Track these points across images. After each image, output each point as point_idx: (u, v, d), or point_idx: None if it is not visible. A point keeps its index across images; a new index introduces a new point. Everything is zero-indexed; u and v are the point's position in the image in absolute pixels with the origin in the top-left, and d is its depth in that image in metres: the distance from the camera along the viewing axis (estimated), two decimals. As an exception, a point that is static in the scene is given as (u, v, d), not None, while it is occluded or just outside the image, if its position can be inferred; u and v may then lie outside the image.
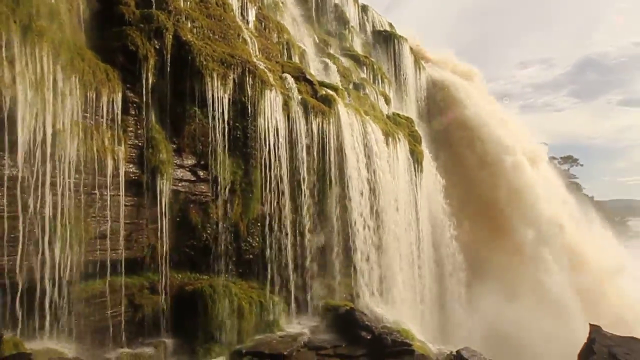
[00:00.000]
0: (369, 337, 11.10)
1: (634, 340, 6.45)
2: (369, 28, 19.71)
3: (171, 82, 10.22)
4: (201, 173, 10.76)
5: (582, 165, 60.74)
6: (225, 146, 10.89)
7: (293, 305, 11.85)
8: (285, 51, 13.91)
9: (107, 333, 8.82)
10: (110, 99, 9.12)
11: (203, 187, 10.81)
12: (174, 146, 10.35)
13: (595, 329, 6.73)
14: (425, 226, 16.51)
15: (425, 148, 17.51)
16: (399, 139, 15.24)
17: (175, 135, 10.42)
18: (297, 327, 11.59)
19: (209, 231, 10.74)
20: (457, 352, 11.98)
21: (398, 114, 16.96)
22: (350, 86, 15.65)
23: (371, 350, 10.94)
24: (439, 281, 17.58)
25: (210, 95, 10.63)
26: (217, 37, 11.54)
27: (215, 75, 10.71)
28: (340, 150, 12.91)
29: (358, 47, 18.28)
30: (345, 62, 16.59)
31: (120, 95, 9.29)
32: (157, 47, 10.09)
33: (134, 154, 9.53)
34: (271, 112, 11.64)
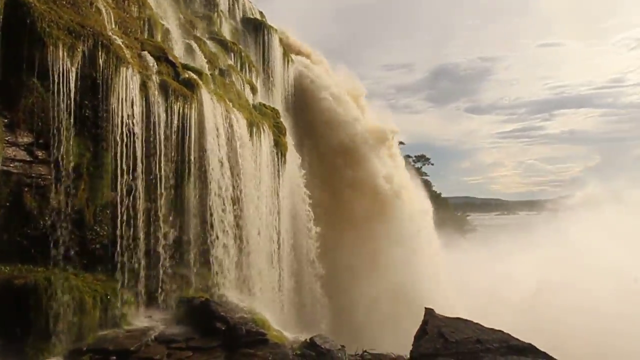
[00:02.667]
0: (223, 328, 10.94)
1: (459, 321, 7.20)
2: (238, 14, 19.33)
3: (3, 47, 8.94)
4: (39, 153, 9.59)
5: (432, 164, 66.65)
6: (71, 125, 9.85)
7: (144, 298, 11.23)
8: (146, 28, 13.00)
9: None
10: None
11: (41, 169, 9.65)
12: (6, 121, 9.08)
13: (429, 312, 7.38)
14: (286, 217, 16.78)
15: (289, 140, 17.76)
16: (263, 129, 15.23)
17: (7, 109, 9.15)
18: (148, 321, 11.01)
19: (47, 218, 9.64)
20: (311, 339, 12.38)
21: (264, 105, 16.94)
22: (216, 72, 15.21)
23: (226, 341, 10.81)
24: (298, 270, 18.02)
25: (53, 67, 9.50)
26: (64, 2, 10.36)
27: (60, 45, 9.58)
28: (201, 137, 12.48)
29: (226, 33, 17.84)
30: (212, 46, 16.07)
31: None
32: (-15, 4, 8.75)
33: (-50, 127, 8.17)
34: (127, 92, 10.80)
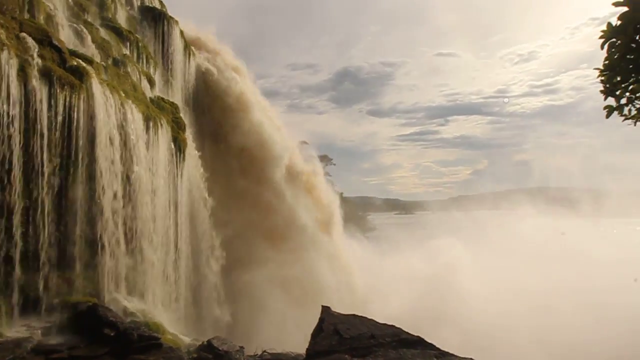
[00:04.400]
0: (112, 334, 10.25)
1: (354, 317, 7.35)
2: (136, 2, 18.21)
3: None
4: None
5: (335, 164, 68.12)
6: None
7: (20, 304, 10.18)
8: (26, 7, 11.76)
9: None
10: None
11: None
12: None
13: (325, 310, 7.45)
14: (185, 217, 16.15)
15: (189, 136, 17.11)
16: (161, 124, 14.50)
17: None
18: (25, 330, 10.00)
19: None
20: (208, 341, 12.05)
21: (162, 98, 16.13)
22: (110, 61, 14.19)
23: (115, 347, 10.13)
24: (196, 272, 17.44)
25: None
26: None
27: None
28: (91, 130, 11.58)
29: (122, 21, 16.70)
30: (105, 34, 14.96)
31: None
32: None
33: None
34: (1, 77, 9.72)
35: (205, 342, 12.07)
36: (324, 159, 65.14)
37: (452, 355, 5.69)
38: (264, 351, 13.95)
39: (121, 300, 12.15)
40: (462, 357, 5.62)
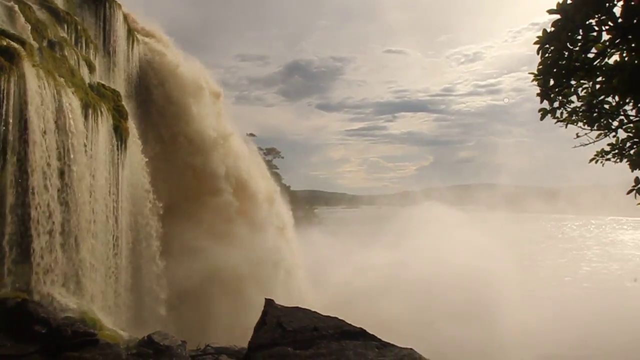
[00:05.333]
0: (43, 331, 9.75)
1: (298, 310, 7.37)
2: (75, -18, 17.25)
3: None
4: None
5: (283, 157, 67.99)
6: None
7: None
8: (-51, -18, 10.90)
9: None
10: None
11: None
12: None
13: (268, 302, 7.43)
14: (125, 209, 15.59)
15: (132, 125, 16.50)
16: (101, 112, 13.88)
17: None
18: (-56, 329, 9.35)
19: None
20: (149, 336, 11.73)
21: (103, 85, 15.42)
22: (45, 43, 13.40)
23: (47, 345, 9.64)
24: (138, 266, 16.91)
25: None
26: None
27: None
28: (22, 117, 10.91)
29: (59, 1, 15.79)
30: (40, 14, 14.08)
31: None
32: None
33: None
34: None
35: (145, 338, 11.76)
36: (272, 151, 64.86)
37: (393, 345, 5.83)
38: (207, 345, 13.79)
39: (55, 296, 11.59)
40: (402, 347, 5.77)
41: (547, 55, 4.34)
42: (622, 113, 5.16)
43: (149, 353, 11.06)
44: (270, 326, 6.96)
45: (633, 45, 4.21)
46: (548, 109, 5.16)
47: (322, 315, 6.86)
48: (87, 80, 14.57)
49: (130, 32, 19.20)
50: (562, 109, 5.19)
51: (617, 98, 4.95)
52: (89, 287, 13.19)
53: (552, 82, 4.67)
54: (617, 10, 3.94)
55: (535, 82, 4.90)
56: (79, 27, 15.62)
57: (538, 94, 4.86)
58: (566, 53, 4.29)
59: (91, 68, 15.30)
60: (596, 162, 6.06)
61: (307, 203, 76.58)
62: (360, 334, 6.35)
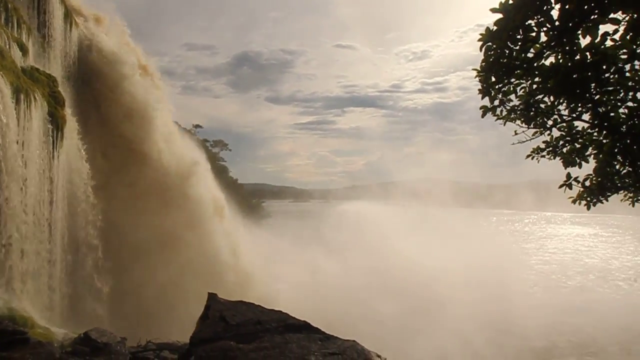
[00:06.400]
0: (-34, 331, 9.12)
1: (241, 304, 7.29)
2: (6, -42, 16.07)
3: None
4: None
5: (230, 150, 67.01)
6: None
7: None
8: None
9: None
10: None
11: None
12: None
13: (211, 297, 7.29)
14: (61, 201, 14.81)
15: (69, 113, 15.67)
16: (35, 98, 13.07)
17: None
18: None
19: None
20: (85, 333, 11.23)
21: (37, 69, 14.51)
22: (-30, 22, 12.44)
23: (-29, 345, 9.04)
24: (74, 261, 16.15)
25: None
26: None
27: None
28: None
29: (-13, -23, 14.67)
30: (-34, -10, 13.09)
31: None
32: None
33: None
34: None
35: (82, 335, 11.24)
36: (220, 144, 63.73)
37: (336, 337, 5.87)
38: (149, 341, 13.40)
39: (-19, 293, 10.87)
40: (345, 339, 5.81)
41: (489, 53, 4.47)
42: (556, 113, 5.42)
43: (86, 351, 10.59)
44: (212, 320, 6.82)
45: (567, 48, 4.40)
46: (489, 106, 5.33)
47: (266, 309, 6.80)
48: (19, 63, 13.66)
49: (68, 14, 18.19)
50: (502, 107, 5.38)
51: (552, 98, 5.19)
52: (19, 283, 12.45)
53: (493, 79, 4.82)
54: (555, 13, 4.10)
55: (478, 79, 5.05)
56: (9, 6, 14.58)
57: (479, 90, 5.00)
58: (507, 52, 4.43)
59: (23, 50, 14.34)
60: (532, 158, 6.34)
61: (254, 197, 76.01)
62: (304, 327, 6.35)
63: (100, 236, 17.03)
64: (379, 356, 5.73)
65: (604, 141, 5.60)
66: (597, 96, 4.94)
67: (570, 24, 4.09)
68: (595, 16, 3.98)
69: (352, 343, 5.72)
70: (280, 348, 5.66)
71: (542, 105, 5.37)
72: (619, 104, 5.02)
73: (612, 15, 3.95)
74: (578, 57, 4.42)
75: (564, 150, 5.92)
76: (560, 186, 5.97)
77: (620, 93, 4.90)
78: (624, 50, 4.40)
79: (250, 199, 67.16)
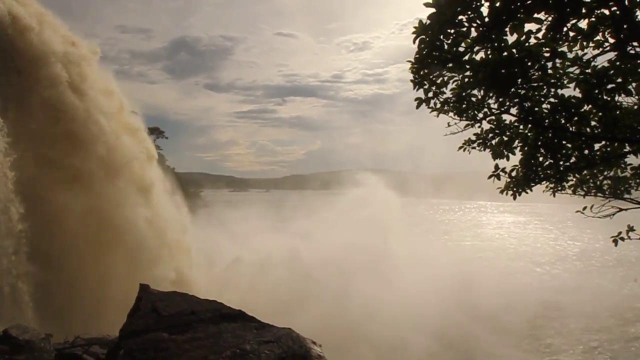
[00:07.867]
0: None
1: (175, 294, 7.12)
2: None
3: None
4: None
5: (167, 138, 64.75)
6: None
7: None
8: None
9: None
10: None
11: None
12: None
13: (143, 288, 7.06)
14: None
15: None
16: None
17: None
18: None
19: None
20: (5, 330, 10.54)
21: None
22: None
23: None
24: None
25: None
26: None
27: None
28: None
29: None
30: None
31: None
32: None
33: None
34: None
35: (1, 333, 10.55)
36: (156, 131, 61.39)
37: (271, 326, 5.86)
38: (77, 337, 12.82)
39: None
40: (281, 327, 5.83)
41: (422, 45, 4.57)
42: (486, 106, 5.66)
43: (5, 349, 9.95)
44: (144, 312, 6.60)
45: (496, 44, 4.59)
46: (423, 98, 5.47)
47: (200, 299, 6.67)
48: None
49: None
50: (435, 99, 5.54)
51: (482, 92, 5.41)
52: None
53: (426, 71, 4.94)
54: (485, 10, 4.26)
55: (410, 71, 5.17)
56: None
57: (411, 81, 5.12)
58: (439, 45, 4.56)
59: None
60: (464, 150, 6.59)
61: (192, 186, 74.19)
62: (239, 316, 6.28)
63: (20, 221, 15.93)
64: (314, 343, 5.79)
65: (529, 134, 5.93)
66: (523, 91, 5.21)
67: (498, 21, 4.26)
68: (521, 15, 4.17)
69: (288, 331, 5.74)
70: (214, 338, 5.57)
71: (473, 99, 5.58)
72: (542, 99, 5.32)
73: (535, 15, 4.16)
74: (505, 53, 4.63)
75: (493, 142, 6.20)
76: (490, 177, 6.26)
77: (544, 89, 5.19)
78: (547, 49, 4.66)
79: (189, 188, 65.52)
